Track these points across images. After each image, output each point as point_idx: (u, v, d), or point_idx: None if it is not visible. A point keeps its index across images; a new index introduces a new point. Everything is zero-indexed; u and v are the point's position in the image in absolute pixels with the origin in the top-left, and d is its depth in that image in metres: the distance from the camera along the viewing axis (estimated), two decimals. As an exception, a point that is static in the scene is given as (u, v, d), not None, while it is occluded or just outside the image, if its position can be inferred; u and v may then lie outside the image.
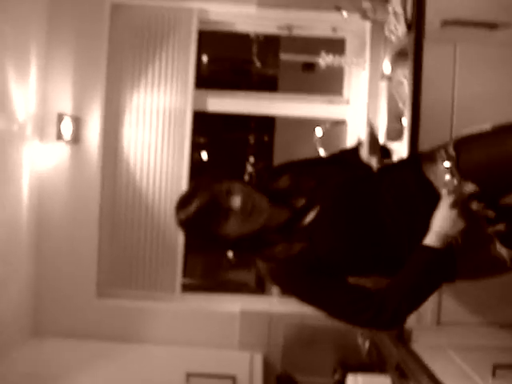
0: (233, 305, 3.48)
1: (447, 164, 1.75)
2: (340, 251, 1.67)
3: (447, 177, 1.73)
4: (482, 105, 2.56)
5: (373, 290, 1.64)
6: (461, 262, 1.72)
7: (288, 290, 1.74)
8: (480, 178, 1.71)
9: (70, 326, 3.41)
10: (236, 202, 1.62)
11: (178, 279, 3.50)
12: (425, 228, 1.66)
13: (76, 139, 3.38)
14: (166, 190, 3.44)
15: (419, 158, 1.89)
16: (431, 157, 1.82)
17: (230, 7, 3.45)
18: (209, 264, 4.94)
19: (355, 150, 2.06)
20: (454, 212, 1.62)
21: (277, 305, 3.44)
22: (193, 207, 1.61)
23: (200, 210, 1.61)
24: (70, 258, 3.41)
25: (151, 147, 3.42)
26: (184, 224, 1.66)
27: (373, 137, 2.01)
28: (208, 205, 1.61)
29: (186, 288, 3.65)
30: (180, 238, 3.46)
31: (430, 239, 1.63)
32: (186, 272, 3.70)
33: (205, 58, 4.64)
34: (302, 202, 1.77)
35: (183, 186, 3.43)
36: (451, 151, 1.76)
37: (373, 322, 1.64)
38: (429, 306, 2.64)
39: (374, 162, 1.96)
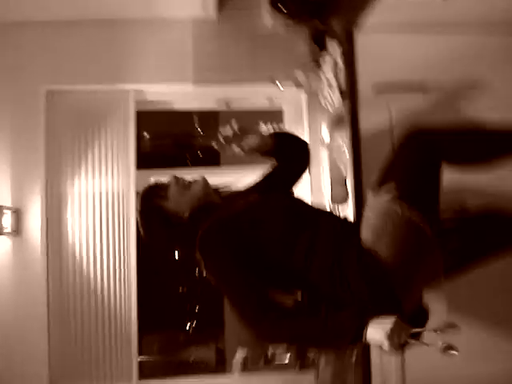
0: (194, 387, 3.36)
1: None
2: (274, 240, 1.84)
3: None
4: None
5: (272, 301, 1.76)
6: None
7: (210, 251, 1.84)
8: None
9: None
10: (171, 179, 2.02)
11: (135, 366, 3.36)
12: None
13: (17, 231, 3.28)
14: (115, 273, 3.35)
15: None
16: None
17: (166, 87, 3.47)
18: (166, 341, 4.80)
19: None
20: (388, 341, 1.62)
21: (239, 383, 3.32)
22: (140, 195, 2.05)
23: (144, 193, 2.04)
24: (19, 356, 3.24)
25: (96, 232, 3.34)
26: (140, 215, 2.04)
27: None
28: (149, 187, 2.04)
29: (145, 369, 3.51)
30: (134, 321, 3.34)
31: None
32: (142, 351, 3.57)
33: (146, 135, 4.63)
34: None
35: (132, 268, 3.34)
36: None
37: (252, 324, 1.76)
38: (393, 371, 2.60)
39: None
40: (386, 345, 1.61)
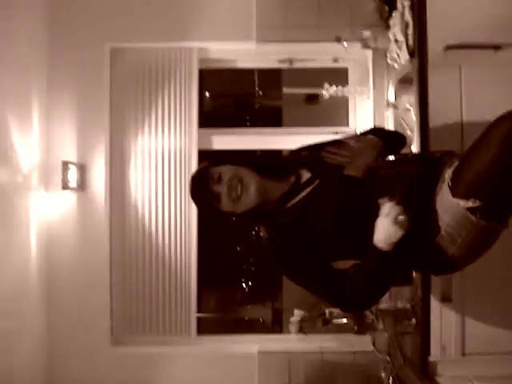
0: (250, 345, 3.40)
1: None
2: (327, 227, 1.89)
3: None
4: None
5: (343, 277, 1.89)
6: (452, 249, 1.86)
7: (277, 260, 1.94)
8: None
9: (86, 377, 3.35)
10: (223, 186, 1.87)
11: (194, 322, 3.44)
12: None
13: (82, 186, 3.36)
14: (176, 231, 3.40)
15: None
16: None
17: (229, 45, 3.45)
18: (223, 299, 4.87)
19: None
20: (391, 225, 1.77)
21: (295, 343, 3.34)
22: (194, 199, 1.96)
23: (197, 202, 1.96)
24: (81, 307, 3.36)
25: (158, 190, 3.38)
26: (194, 202, 1.98)
27: None
28: (200, 191, 1.91)
29: (202, 325, 3.58)
30: (193, 278, 3.41)
31: (376, 242, 1.82)
32: (200, 308, 3.63)
33: (207, 94, 4.63)
34: (306, 175, 2.00)
35: (193, 226, 3.39)
36: None
37: (338, 304, 1.95)
38: (452, 336, 2.57)
39: None
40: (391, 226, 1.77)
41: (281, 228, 1.94)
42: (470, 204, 1.75)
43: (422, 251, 1.92)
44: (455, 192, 1.79)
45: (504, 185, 1.73)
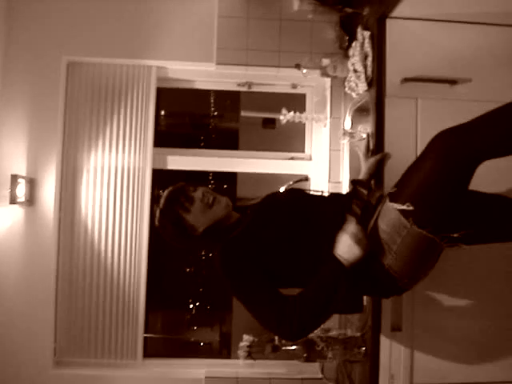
0: (198, 370, 3.33)
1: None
2: (278, 243, 1.98)
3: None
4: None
5: (286, 299, 1.89)
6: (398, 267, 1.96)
7: (226, 273, 1.98)
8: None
9: (26, 399, 3.22)
10: (198, 194, 2.07)
11: (140, 344, 3.35)
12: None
13: (31, 201, 3.26)
14: (126, 250, 3.33)
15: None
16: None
17: (188, 65, 3.42)
18: (171, 320, 4.81)
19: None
20: (352, 241, 1.88)
21: (243, 368, 3.30)
22: (163, 196, 2.09)
23: (169, 195, 2.08)
24: (24, 326, 3.23)
25: (110, 208, 3.31)
26: (160, 212, 2.09)
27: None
28: (176, 192, 2.07)
29: (149, 348, 3.50)
30: (142, 298, 3.33)
31: (337, 254, 1.90)
32: (147, 330, 3.55)
33: (163, 112, 4.60)
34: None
35: (143, 246, 3.33)
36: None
37: (277, 331, 1.93)
38: (401, 366, 2.58)
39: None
40: (351, 242, 1.89)
41: (233, 241, 2.02)
42: (403, 207, 1.88)
43: (366, 268, 1.97)
44: (392, 199, 1.95)
45: (436, 193, 1.90)
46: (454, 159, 1.86)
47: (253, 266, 1.95)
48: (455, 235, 1.94)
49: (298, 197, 2.23)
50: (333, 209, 2.10)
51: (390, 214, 1.95)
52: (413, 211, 1.88)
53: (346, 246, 1.89)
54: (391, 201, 1.96)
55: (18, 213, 3.27)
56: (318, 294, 1.88)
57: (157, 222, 2.13)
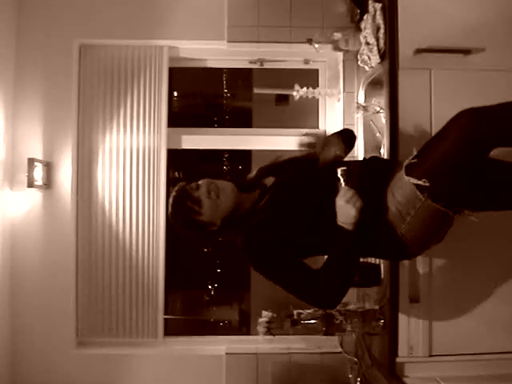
0: (218, 347, 3.38)
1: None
2: (297, 219, 2.03)
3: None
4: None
5: (315, 272, 1.98)
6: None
7: (251, 258, 2.06)
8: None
9: (50, 379, 3.28)
10: (203, 190, 2.05)
11: (161, 323, 3.39)
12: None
13: (48, 184, 3.30)
14: (144, 231, 3.36)
15: None
16: None
17: (200, 44, 3.42)
18: (190, 301, 4.84)
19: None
20: (346, 204, 1.92)
21: (263, 344, 3.33)
22: (170, 204, 2.10)
23: (175, 204, 2.07)
24: (46, 308, 3.29)
25: (126, 189, 3.34)
26: (171, 219, 2.11)
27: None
28: (180, 199, 2.06)
29: (169, 327, 3.54)
30: (161, 279, 3.37)
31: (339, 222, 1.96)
32: (167, 310, 3.59)
33: (175, 93, 4.59)
34: (271, 180, 2.19)
35: (161, 225, 3.35)
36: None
37: (310, 297, 1.99)
38: (420, 338, 2.59)
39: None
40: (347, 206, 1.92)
41: (254, 227, 2.05)
42: (419, 182, 1.92)
43: (378, 232, 2.04)
44: (409, 173, 1.97)
45: (454, 172, 1.92)
46: (475, 139, 1.86)
47: (278, 247, 2.01)
48: (468, 212, 2.04)
49: (306, 169, 2.25)
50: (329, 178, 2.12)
51: (406, 187, 1.97)
52: (428, 186, 1.91)
53: (342, 210, 1.95)
54: (408, 174, 1.97)
55: (35, 196, 3.30)
56: (336, 263, 1.96)
57: (172, 224, 2.16)
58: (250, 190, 2.20)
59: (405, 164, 2.01)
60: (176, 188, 2.12)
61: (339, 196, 1.96)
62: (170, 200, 2.10)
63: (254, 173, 2.34)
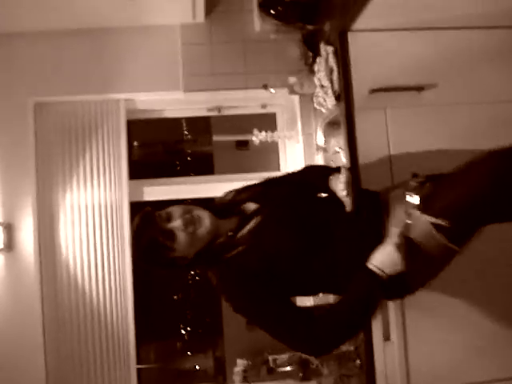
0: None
1: (415, 199, 1.85)
2: (284, 254, 1.80)
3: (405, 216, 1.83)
4: (419, 163, 2.53)
5: (308, 312, 1.77)
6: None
7: (232, 299, 1.82)
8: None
9: None
10: (177, 222, 1.80)
11: (134, 376, 3.31)
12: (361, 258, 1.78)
13: (9, 247, 3.23)
14: (111, 286, 3.29)
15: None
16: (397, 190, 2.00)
17: (156, 95, 3.43)
18: (163, 349, 4.75)
19: (325, 173, 2.11)
20: (397, 253, 1.73)
21: (240, 393, 3.27)
22: (136, 237, 1.82)
23: (144, 240, 1.79)
24: (13, 375, 3.17)
25: (90, 245, 3.28)
26: (136, 253, 1.87)
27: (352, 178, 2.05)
28: (151, 233, 1.79)
29: (143, 380, 3.46)
30: (131, 330, 3.30)
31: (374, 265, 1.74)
32: (140, 361, 3.51)
33: (136, 143, 4.59)
34: (252, 206, 1.95)
35: (128, 279, 3.29)
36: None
37: (304, 343, 1.74)
38: (398, 375, 2.58)
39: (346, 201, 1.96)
40: (396, 254, 1.73)
41: (233, 262, 1.83)
42: (438, 221, 1.78)
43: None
44: (426, 209, 1.83)
45: (477, 215, 1.80)
46: (506, 182, 1.74)
47: (260, 283, 1.77)
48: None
49: (300, 198, 2.04)
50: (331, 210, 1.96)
51: (422, 225, 1.85)
52: (447, 227, 1.80)
53: (389, 258, 1.74)
54: (424, 212, 1.85)
55: (-3, 260, 3.22)
56: (353, 309, 1.74)
57: (139, 262, 1.94)
58: (226, 215, 1.96)
59: (416, 198, 1.86)
60: (142, 216, 1.85)
61: (391, 243, 1.76)
62: (136, 230, 1.83)
63: (229, 195, 2.09)
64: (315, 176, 2.19)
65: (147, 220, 1.83)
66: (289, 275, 1.81)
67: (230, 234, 1.88)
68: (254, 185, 2.17)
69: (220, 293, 1.87)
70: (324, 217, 1.92)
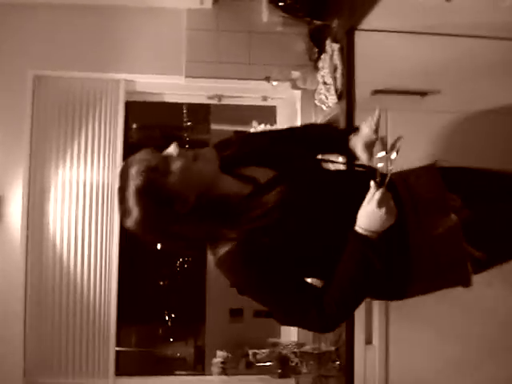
0: (171, 387, 3.30)
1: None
2: (301, 236, 1.59)
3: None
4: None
5: (316, 291, 1.62)
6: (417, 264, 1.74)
7: (239, 278, 1.63)
8: None
9: (-7, 422, 3.14)
10: (173, 149, 1.55)
11: (112, 361, 3.29)
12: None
13: (-3, 218, 3.20)
14: (96, 265, 3.28)
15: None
16: None
17: (157, 78, 3.40)
18: (145, 334, 4.75)
19: (346, 133, 2.00)
20: (381, 210, 1.56)
21: (217, 384, 3.27)
22: (124, 164, 1.57)
23: (134, 160, 1.54)
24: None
25: (79, 222, 3.27)
26: (122, 184, 1.53)
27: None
28: (143, 155, 1.54)
29: (121, 365, 3.47)
30: (113, 313, 3.28)
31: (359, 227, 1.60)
32: (120, 344, 3.51)
33: (134, 126, 4.57)
34: (266, 175, 1.68)
35: (114, 261, 3.28)
36: None
37: (316, 318, 1.59)
38: (376, 379, 2.57)
39: (364, 158, 1.87)
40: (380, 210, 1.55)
41: (252, 235, 1.57)
42: (476, 254, 1.71)
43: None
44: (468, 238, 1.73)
45: None
46: None
47: (276, 260, 1.58)
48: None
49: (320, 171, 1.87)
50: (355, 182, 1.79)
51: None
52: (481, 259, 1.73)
53: (371, 215, 1.57)
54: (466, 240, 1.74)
55: (-16, 230, 3.19)
56: (353, 275, 1.60)
57: (131, 210, 1.53)
58: (233, 174, 1.69)
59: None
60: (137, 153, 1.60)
61: (371, 199, 1.57)
62: (126, 162, 1.58)
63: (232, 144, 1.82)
64: (322, 135, 2.06)
65: (143, 150, 1.60)
66: (312, 256, 1.65)
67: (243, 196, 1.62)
68: (257, 136, 2.02)
69: (221, 272, 1.63)
70: (351, 189, 1.74)
